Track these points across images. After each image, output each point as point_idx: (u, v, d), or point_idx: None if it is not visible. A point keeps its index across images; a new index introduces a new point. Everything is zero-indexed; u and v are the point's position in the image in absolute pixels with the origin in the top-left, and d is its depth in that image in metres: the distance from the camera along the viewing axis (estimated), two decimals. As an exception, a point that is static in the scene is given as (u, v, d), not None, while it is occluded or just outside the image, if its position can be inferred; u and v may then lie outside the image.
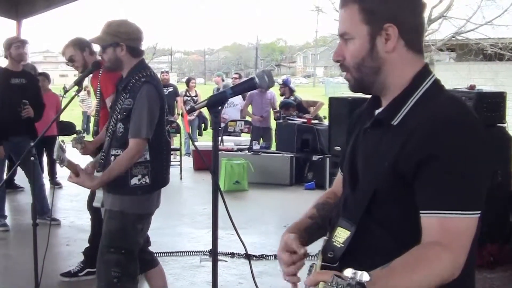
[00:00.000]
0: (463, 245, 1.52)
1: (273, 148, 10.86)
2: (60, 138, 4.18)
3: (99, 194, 3.62)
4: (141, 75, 3.50)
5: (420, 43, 1.71)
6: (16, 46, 6.32)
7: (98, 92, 4.44)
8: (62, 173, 3.57)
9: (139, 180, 3.49)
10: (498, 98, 5.46)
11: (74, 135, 4.01)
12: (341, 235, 1.66)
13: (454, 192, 1.52)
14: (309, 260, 1.80)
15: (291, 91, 11.30)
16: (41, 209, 6.27)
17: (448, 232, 1.50)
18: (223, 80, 14.62)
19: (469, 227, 1.53)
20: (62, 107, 3.64)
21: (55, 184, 7.89)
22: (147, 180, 3.51)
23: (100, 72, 4.26)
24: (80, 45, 4.82)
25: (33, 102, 6.35)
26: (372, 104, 1.79)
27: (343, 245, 1.65)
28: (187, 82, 13.51)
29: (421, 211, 1.55)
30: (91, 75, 4.27)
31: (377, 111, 1.75)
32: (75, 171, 3.40)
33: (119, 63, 3.53)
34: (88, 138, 4.35)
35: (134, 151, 3.42)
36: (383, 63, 1.68)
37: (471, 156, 1.53)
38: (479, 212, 1.54)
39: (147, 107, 3.43)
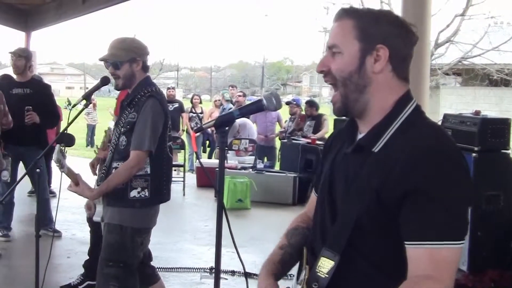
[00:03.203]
0: (452, 275, 1.53)
1: (277, 167, 10.86)
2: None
3: (99, 208, 3.63)
4: (146, 91, 3.54)
5: (407, 72, 1.73)
6: (12, 58, 6.36)
7: None
8: (64, 184, 3.56)
9: (138, 193, 3.51)
10: (502, 124, 5.46)
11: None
12: (325, 265, 1.65)
13: (442, 222, 1.52)
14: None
15: (317, 109, 11.28)
16: (45, 220, 6.28)
17: (437, 263, 1.50)
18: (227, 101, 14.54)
19: (456, 256, 1.54)
20: (70, 119, 3.62)
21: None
22: (146, 194, 3.52)
23: None
24: None
25: (41, 111, 6.28)
26: (351, 128, 1.78)
27: (327, 276, 1.64)
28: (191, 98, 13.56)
29: (408, 242, 1.55)
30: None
31: (359, 136, 1.74)
32: (75, 180, 3.42)
33: (133, 78, 3.56)
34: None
35: (134, 163, 3.44)
36: (369, 83, 1.68)
37: (454, 186, 1.54)
38: (464, 241, 1.55)
39: (150, 121, 3.46)
